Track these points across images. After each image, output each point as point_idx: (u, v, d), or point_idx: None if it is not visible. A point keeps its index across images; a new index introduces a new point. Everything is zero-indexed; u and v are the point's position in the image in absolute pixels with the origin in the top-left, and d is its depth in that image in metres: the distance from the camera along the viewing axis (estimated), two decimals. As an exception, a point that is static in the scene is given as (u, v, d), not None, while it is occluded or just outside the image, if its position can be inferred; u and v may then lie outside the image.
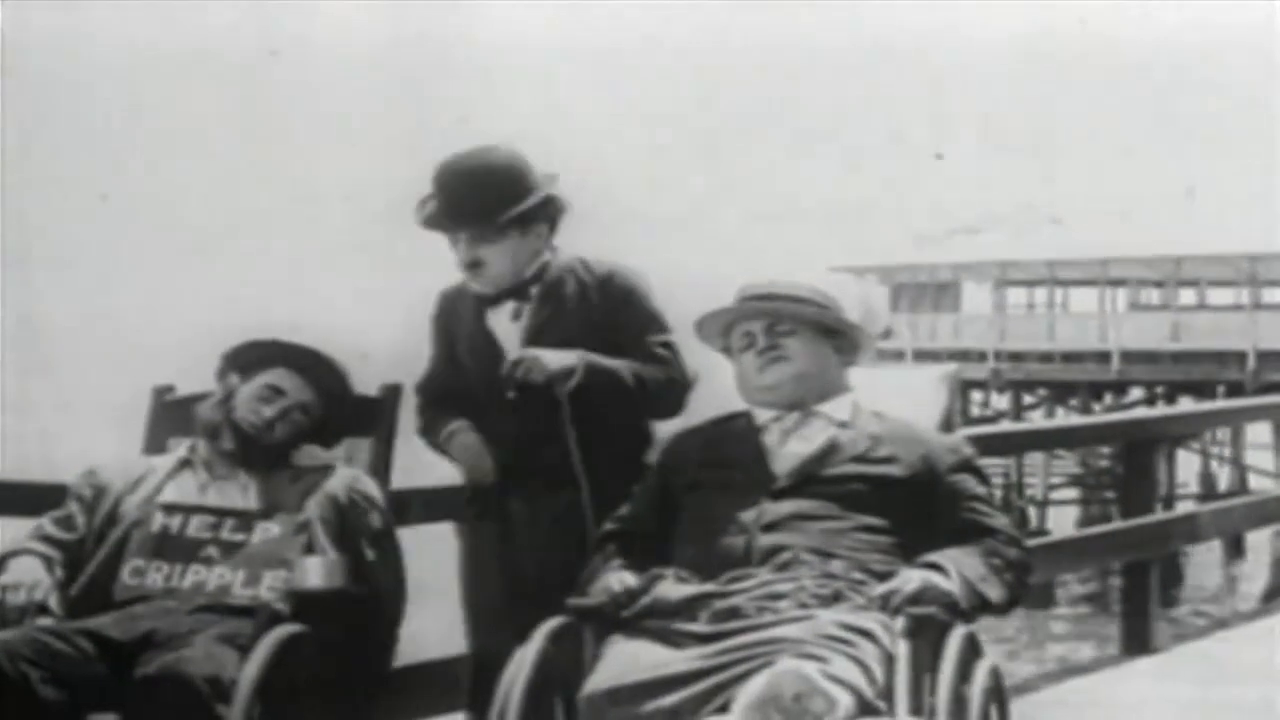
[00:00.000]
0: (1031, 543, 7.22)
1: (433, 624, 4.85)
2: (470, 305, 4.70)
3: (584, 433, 4.55)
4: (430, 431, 4.75)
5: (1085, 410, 38.52)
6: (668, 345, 4.68)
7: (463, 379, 4.72)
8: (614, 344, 4.63)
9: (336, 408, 4.67)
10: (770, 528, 4.08)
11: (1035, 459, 33.60)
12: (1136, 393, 39.47)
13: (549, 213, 4.64)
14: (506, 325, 4.66)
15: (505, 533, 4.63)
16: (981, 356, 39.80)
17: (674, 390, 4.66)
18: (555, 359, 4.51)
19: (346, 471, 4.59)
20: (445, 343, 4.78)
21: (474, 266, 4.60)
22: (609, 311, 4.67)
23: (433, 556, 4.83)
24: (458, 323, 4.73)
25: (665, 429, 4.66)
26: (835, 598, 3.91)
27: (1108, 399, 39.15)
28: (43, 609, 4.22)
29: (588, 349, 4.59)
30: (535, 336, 4.62)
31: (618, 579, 4.08)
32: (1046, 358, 40.21)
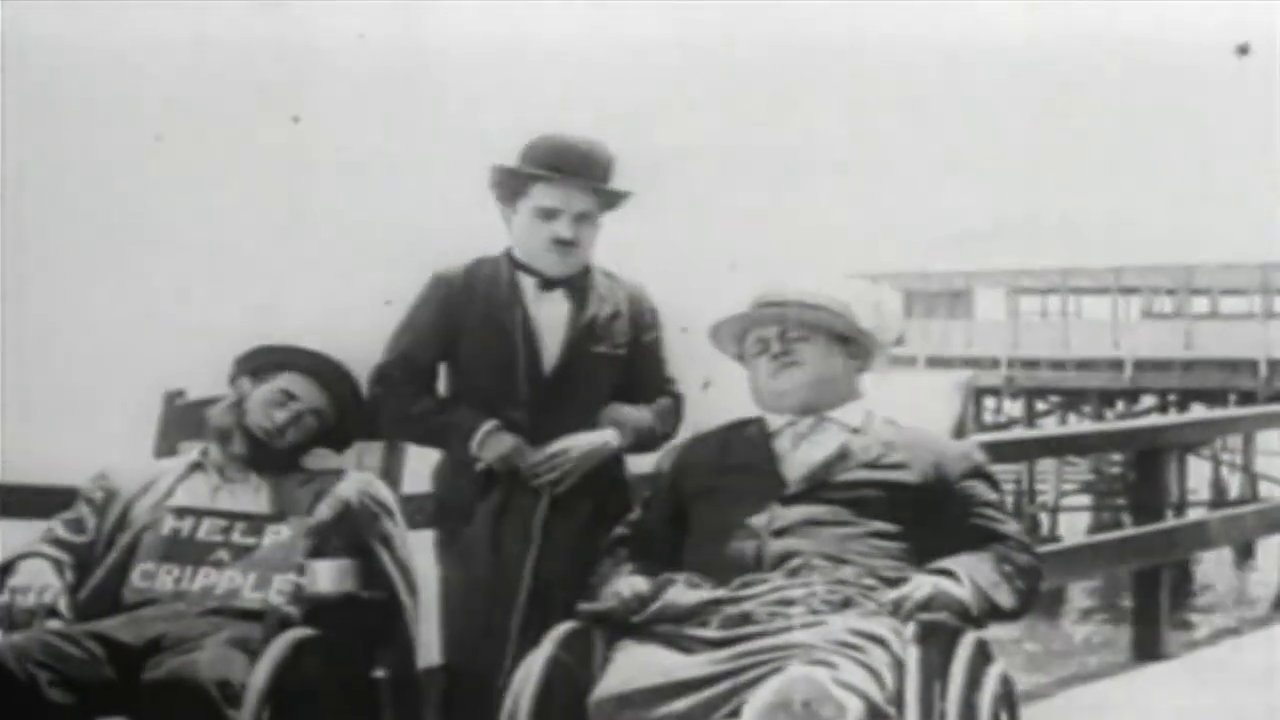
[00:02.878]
0: (1043, 549, 7.22)
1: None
2: (507, 287, 4.66)
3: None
4: (436, 422, 4.64)
5: (1097, 417, 38.49)
6: (672, 380, 4.78)
7: (469, 364, 4.66)
8: (631, 359, 4.70)
9: (348, 412, 4.67)
10: (781, 533, 4.08)
11: (1047, 465, 33.52)
12: (1148, 400, 39.41)
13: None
14: (552, 313, 4.65)
15: (488, 543, 4.60)
16: (994, 363, 39.77)
17: (673, 431, 4.72)
18: (590, 444, 4.58)
19: (357, 475, 4.59)
20: (445, 325, 4.68)
21: (567, 245, 4.61)
22: (635, 327, 4.72)
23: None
24: (481, 304, 4.66)
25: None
26: (846, 603, 3.90)
27: (1120, 406, 39.11)
28: (52, 612, 4.22)
29: (617, 356, 4.66)
30: (585, 331, 4.63)
31: (628, 584, 4.08)
32: (1059, 365, 40.17)
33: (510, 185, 4.66)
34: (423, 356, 4.68)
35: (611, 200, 4.67)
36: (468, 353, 4.66)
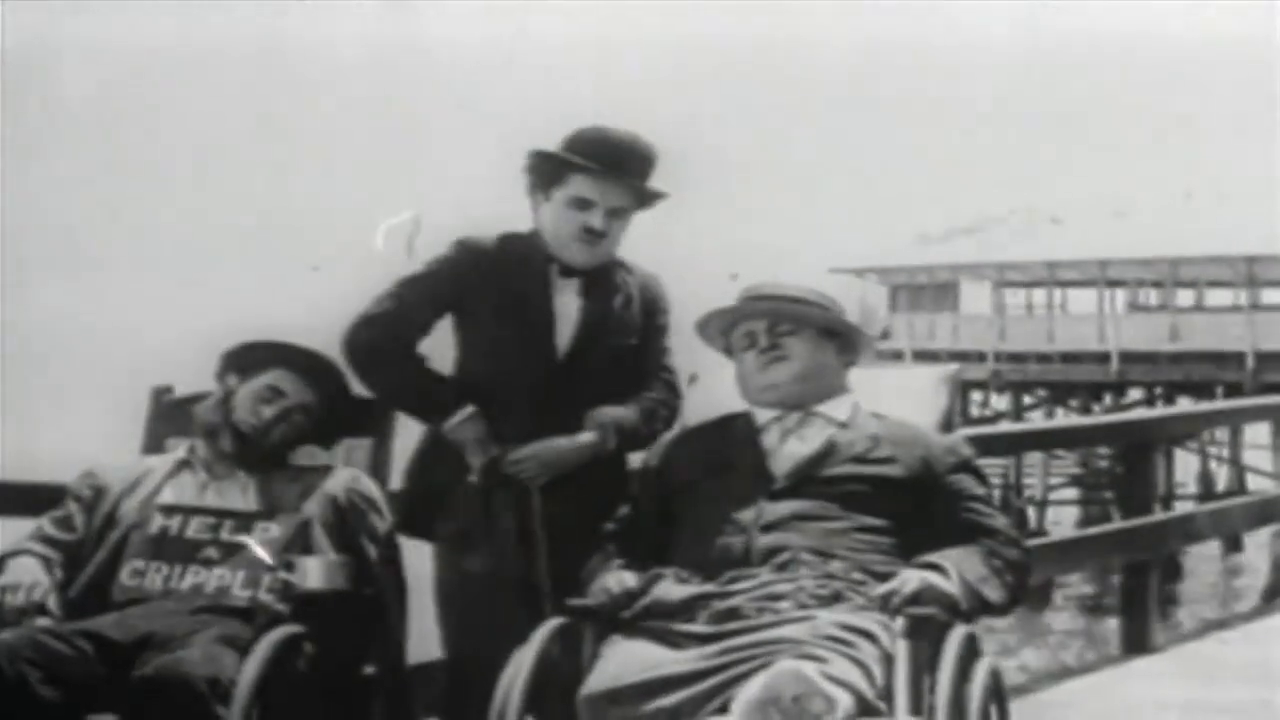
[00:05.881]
0: (1031, 543, 7.22)
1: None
2: (539, 270, 4.64)
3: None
4: (418, 392, 4.63)
5: (1084, 411, 38.57)
6: (671, 371, 4.77)
7: (483, 337, 4.64)
8: (639, 348, 4.70)
9: (335, 408, 4.67)
10: (770, 528, 4.08)
11: (1034, 459, 33.59)
12: (1135, 393, 39.50)
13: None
14: (567, 301, 4.64)
15: (485, 535, 4.59)
16: (981, 357, 39.83)
17: (669, 423, 4.70)
18: (562, 448, 4.57)
19: (345, 472, 4.58)
20: (452, 291, 4.66)
21: (596, 236, 4.60)
22: (645, 315, 4.73)
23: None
24: (507, 280, 4.64)
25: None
26: (835, 598, 3.91)
27: (1107, 399, 39.19)
28: (42, 610, 4.22)
29: (625, 345, 4.66)
30: (598, 323, 4.63)
31: (617, 579, 4.07)
32: (1045, 358, 40.24)
33: (547, 172, 4.63)
34: (418, 315, 4.65)
35: (647, 199, 4.66)
36: (483, 325, 4.64)
